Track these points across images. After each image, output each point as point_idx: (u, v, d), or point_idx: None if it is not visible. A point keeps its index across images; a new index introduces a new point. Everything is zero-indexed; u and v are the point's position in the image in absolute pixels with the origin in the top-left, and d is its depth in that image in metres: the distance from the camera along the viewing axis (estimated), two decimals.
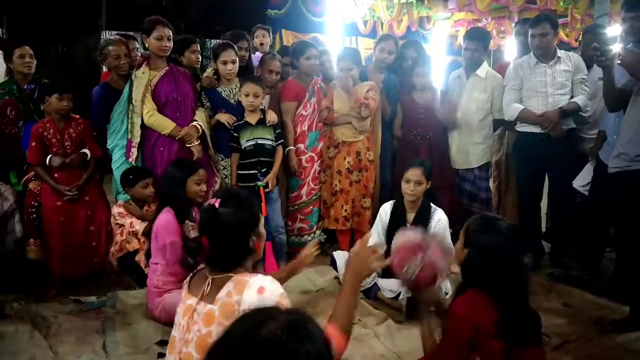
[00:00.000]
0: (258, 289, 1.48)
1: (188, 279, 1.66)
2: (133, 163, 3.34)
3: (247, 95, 3.52)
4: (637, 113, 2.67)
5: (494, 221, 1.81)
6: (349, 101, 3.82)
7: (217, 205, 1.55)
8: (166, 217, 2.77)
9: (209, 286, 1.54)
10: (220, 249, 1.55)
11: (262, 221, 1.67)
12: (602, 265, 3.63)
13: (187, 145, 3.35)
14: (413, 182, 3.08)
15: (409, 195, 3.12)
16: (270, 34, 4.82)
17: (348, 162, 3.89)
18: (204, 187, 2.94)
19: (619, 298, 3.08)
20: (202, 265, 1.67)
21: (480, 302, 1.69)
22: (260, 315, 0.93)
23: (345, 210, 3.89)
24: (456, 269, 1.90)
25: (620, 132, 2.83)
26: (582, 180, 3.44)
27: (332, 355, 0.91)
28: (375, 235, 3.34)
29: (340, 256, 3.41)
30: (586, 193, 3.42)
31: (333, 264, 3.42)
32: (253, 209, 1.64)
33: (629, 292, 2.92)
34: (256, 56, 4.17)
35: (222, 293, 1.50)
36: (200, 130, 3.41)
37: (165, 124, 3.31)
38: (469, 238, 1.80)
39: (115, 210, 3.17)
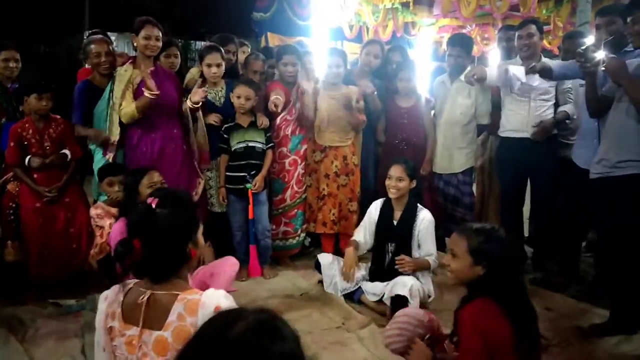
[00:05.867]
0: (215, 308, 1.34)
1: (118, 308, 1.41)
2: (107, 159, 3.28)
3: (238, 97, 3.53)
4: (618, 119, 2.70)
5: (493, 230, 1.83)
6: (336, 101, 3.82)
7: (154, 205, 1.42)
8: (116, 229, 2.65)
9: (146, 306, 1.37)
10: (154, 254, 1.39)
11: (201, 229, 1.51)
12: (582, 270, 3.67)
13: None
14: (395, 178, 3.14)
15: (391, 192, 3.17)
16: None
17: (335, 166, 3.89)
18: None
19: (599, 302, 3.11)
20: (129, 283, 1.46)
21: (492, 313, 1.69)
22: (229, 316, 0.92)
23: (333, 214, 3.89)
24: None
25: (601, 138, 2.87)
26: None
27: (304, 354, 0.90)
28: (361, 232, 3.36)
29: (324, 259, 3.40)
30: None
31: (317, 266, 3.42)
32: (193, 212, 1.51)
33: (609, 296, 2.96)
34: None
35: (172, 317, 1.35)
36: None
37: (131, 108, 3.19)
38: (478, 255, 1.77)
39: (93, 212, 3.07)
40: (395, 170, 3.15)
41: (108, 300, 1.45)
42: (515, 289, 1.76)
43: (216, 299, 1.37)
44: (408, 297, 2.88)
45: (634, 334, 2.73)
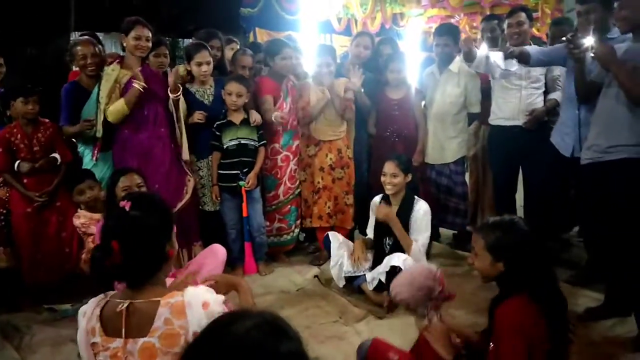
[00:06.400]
0: (202, 305, 1.35)
1: (97, 323, 1.40)
2: (94, 161, 3.28)
3: (230, 94, 3.51)
4: (608, 105, 2.70)
5: (511, 223, 1.79)
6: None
7: (127, 208, 1.43)
8: (99, 229, 2.65)
9: (126, 316, 1.35)
10: (132, 256, 1.38)
11: (175, 230, 1.53)
12: (575, 255, 3.69)
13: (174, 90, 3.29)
14: (389, 174, 3.19)
15: (387, 189, 3.22)
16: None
17: (330, 159, 3.89)
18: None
19: (593, 286, 3.12)
20: (107, 295, 1.45)
21: (529, 311, 1.67)
22: (233, 316, 0.93)
23: (329, 207, 3.89)
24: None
25: (591, 124, 2.87)
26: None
27: (308, 354, 0.91)
28: (370, 230, 3.42)
29: (335, 238, 3.41)
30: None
31: (327, 244, 3.40)
32: (167, 214, 1.52)
33: (603, 280, 2.97)
34: None
35: (158, 322, 1.34)
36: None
37: (120, 104, 3.18)
38: (497, 251, 1.75)
39: (77, 222, 2.98)
40: (389, 167, 3.19)
41: (86, 316, 1.43)
42: (543, 280, 1.72)
43: (201, 295, 1.38)
44: (402, 267, 2.89)
45: (628, 317, 2.74)
